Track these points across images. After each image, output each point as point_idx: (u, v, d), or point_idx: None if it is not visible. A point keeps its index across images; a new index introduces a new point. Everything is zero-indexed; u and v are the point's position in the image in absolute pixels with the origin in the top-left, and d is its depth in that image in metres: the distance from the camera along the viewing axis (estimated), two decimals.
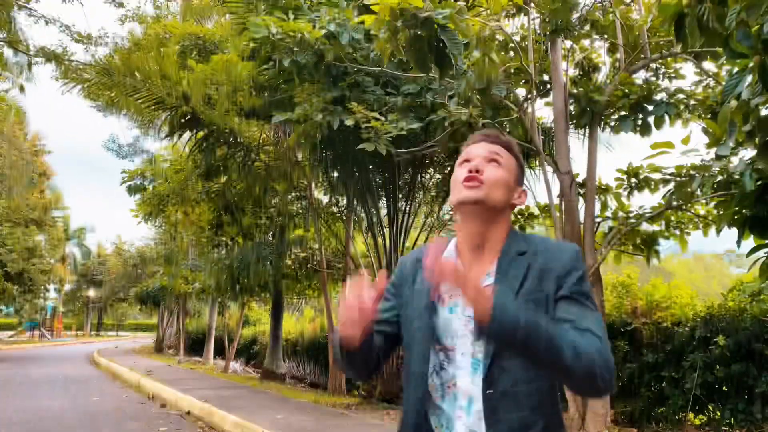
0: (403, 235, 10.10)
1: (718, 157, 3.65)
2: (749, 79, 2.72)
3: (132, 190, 12.30)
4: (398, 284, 1.61)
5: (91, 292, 47.81)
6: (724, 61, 5.11)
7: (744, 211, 4.38)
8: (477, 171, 1.48)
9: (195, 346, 26.99)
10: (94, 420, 8.29)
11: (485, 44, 4.78)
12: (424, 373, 1.47)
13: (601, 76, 8.57)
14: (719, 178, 4.98)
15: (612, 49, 8.03)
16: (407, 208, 10.27)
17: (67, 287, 49.73)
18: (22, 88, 17.12)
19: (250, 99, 7.69)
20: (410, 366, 1.51)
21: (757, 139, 2.84)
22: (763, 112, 2.88)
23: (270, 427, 6.91)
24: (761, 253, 4.44)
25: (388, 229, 10.19)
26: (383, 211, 10.63)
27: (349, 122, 5.80)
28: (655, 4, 2.69)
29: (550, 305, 1.41)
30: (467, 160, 1.53)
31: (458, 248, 1.54)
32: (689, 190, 5.39)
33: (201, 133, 10.02)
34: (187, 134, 10.07)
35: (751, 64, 2.69)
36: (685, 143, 4.05)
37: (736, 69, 2.89)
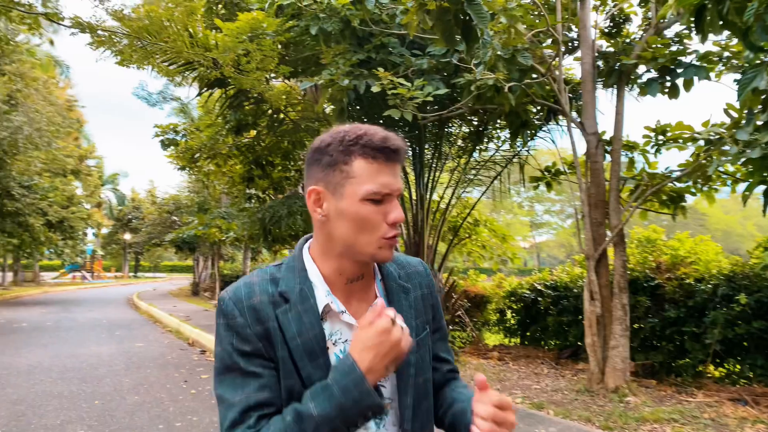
0: (429, 189, 10.24)
1: (735, 141, 3.68)
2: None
3: (165, 144, 12.59)
4: (262, 338, 1.16)
5: (127, 236, 49.29)
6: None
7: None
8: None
9: None
10: (141, 366, 8.88)
11: (511, 15, 4.77)
12: None
13: (633, 27, 8.40)
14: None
15: (644, 1, 7.84)
16: (433, 162, 10.36)
17: (105, 231, 51.30)
18: (51, 42, 17.30)
19: (278, 65, 7.74)
20: None
21: None
22: None
23: None
24: None
25: (414, 183, 10.32)
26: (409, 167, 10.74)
27: (375, 89, 5.88)
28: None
29: (429, 341, 1.34)
30: (384, 195, 1.16)
31: (326, 277, 1.23)
32: (711, 160, 5.38)
33: (231, 91, 10.17)
34: (218, 90, 10.21)
35: None
36: (705, 126, 4.05)
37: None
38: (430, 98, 5.91)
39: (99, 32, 6.72)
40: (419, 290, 1.34)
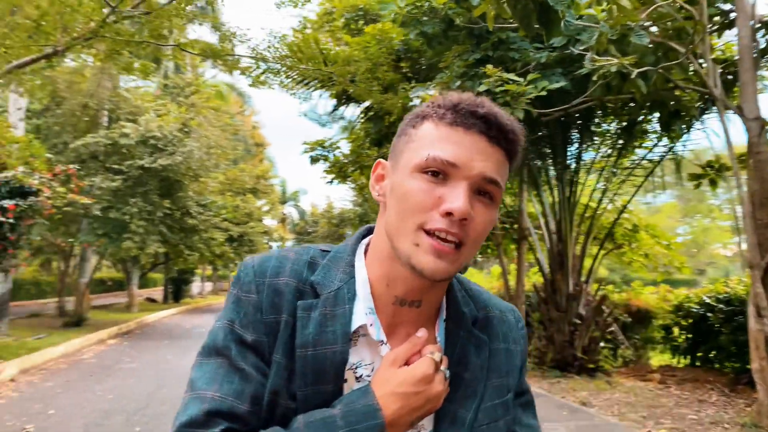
0: (573, 192, 9.45)
1: None
2: None
3: (314, 159, 13.18)
4: (270, 333, 0.87)
5: None
6: None
7: None
8: (463, 220, 0.81)
9: None
10: None
11: None
12: None
13: None
14: None
15: None
16: (577, 162, 9.56)
17: (288, 244, 55.62)
18: (230, 73, 19.09)
19: (390, 73, 7.69)
20: None
21: None
22: None
23: None
24: None
25: (556, 184, 9.60)
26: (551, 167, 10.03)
27: (482, 87, 5.51)
28: None
29: (510, 409, 0.97)
30: (443, 168, 0.82)
31: (373, 287, 0.90)
32: None
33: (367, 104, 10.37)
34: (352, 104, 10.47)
35: None
36: None
37: None
38: (543, 93, 5.39)
39: (227, 57, 7.27)
40: (500, 343, 0.98)
